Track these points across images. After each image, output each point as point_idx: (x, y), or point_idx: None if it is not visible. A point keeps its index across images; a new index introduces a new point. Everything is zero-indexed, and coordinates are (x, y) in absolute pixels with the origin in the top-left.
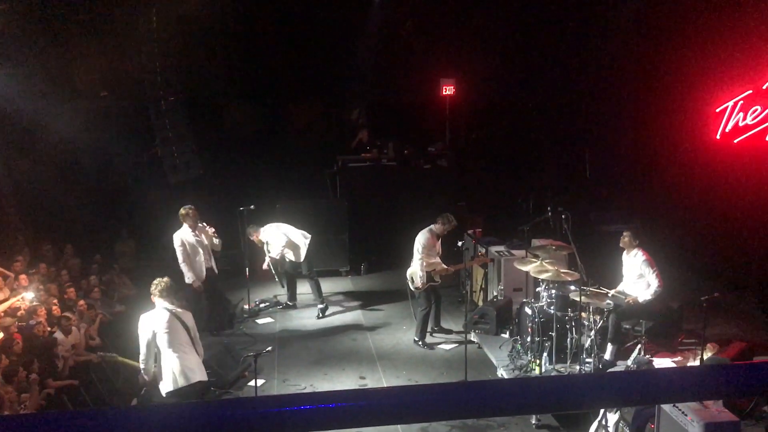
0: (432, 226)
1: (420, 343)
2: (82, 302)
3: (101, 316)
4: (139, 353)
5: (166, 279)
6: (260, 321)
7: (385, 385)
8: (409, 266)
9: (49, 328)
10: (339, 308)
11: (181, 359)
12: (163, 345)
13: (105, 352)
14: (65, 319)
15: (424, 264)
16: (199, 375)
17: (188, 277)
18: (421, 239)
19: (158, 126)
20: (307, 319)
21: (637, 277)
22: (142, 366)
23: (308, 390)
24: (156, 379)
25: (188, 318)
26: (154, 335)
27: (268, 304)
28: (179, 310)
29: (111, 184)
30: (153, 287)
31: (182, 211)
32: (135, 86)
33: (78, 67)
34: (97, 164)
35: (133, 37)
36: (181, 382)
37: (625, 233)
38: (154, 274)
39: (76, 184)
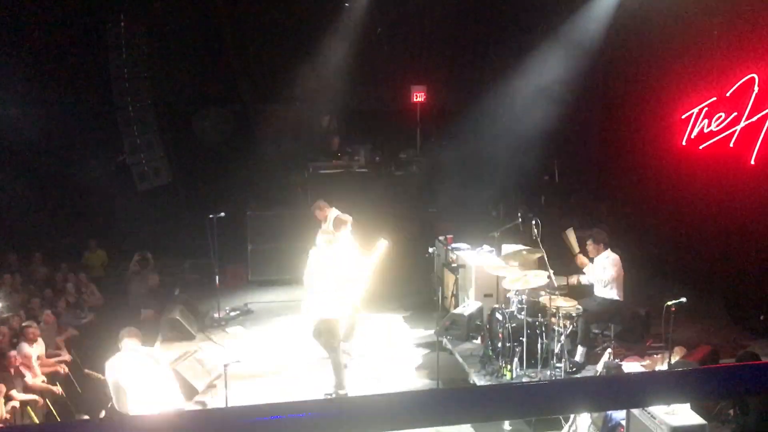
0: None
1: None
2: (48, 312)
3: (69, 330)
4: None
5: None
6: (230, 330)
7: (356, 393)
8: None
9: (14, 339)
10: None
11: (154, 395)
12: (132, 386)
13: (71, 363)
14: (31, 327)
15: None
16: (175, 405)
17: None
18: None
19: (126, 133)
20: (277, 327)
21: (602, 270)
22: (115, 406)
23: (279, 400)
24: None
25: (156, 353)
26: (121, 379)
27: (238, 312)
28: (146, 348)
29: (78, 192)
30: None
31: None
32: (103, 93)
33: (45, 74)
34: (64, 172)
35: (101, 43)
36: None
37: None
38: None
39: (42, 192)
